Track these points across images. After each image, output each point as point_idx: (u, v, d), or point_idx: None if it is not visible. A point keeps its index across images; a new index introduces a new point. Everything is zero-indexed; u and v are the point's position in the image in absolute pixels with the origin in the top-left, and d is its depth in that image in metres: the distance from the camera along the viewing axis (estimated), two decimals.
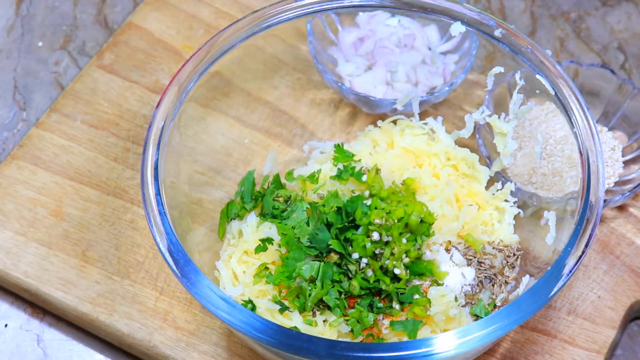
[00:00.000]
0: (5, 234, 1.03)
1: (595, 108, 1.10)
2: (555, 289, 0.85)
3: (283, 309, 0.93)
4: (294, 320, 0.93)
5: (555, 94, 0.95)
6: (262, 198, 1.01)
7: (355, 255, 0.94)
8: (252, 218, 0.99)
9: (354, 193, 0.99)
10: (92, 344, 1.03)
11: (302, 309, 0.93)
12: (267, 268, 0.96)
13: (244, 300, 0.94)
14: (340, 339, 0.93)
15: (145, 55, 1.16)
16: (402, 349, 0.81)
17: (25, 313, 1.04)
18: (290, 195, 1.00)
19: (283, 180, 1.04)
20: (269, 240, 0.97)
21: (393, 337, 0.94)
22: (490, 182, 1.04)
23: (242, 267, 0.97)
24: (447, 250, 0.99)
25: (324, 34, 1.09)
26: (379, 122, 1.06)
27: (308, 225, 0.96)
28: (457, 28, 0.99)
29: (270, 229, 0.98)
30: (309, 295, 0.93)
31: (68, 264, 1.02)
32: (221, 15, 1.19)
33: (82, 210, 1.05)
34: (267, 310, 0.93)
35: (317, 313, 0.94)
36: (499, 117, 1.01)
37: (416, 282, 0.96)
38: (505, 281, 0.99)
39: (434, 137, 1.05)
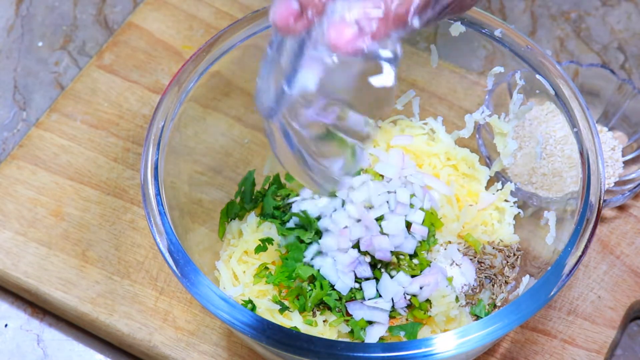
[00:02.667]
0: (5, 234, 1.03)
1: (595, 108, 1.10)
2: (555, 289, 0.84)
3: (283, 309, 0.93)
4: (294, 320, 0.93)
5: (555, 94, 0.95)
6: (262, 198, 1.01)
7: None
8: (252, 218, 0.99)
9: None
10: (92, 344, 1.03)
11: (302, 309, 0.93)
12: (267, 268, 0.96)
13: (243, 300, 0.94)
14: (340, 339, 0.93)
15: (145, 55, 1.16)
16: (402, 349, 0.81)
17: (25, 313, 1.04)
18: (290, 195, 1.00)
19: (283, 181, 1.04)
20: (268, 240, 0.97)
21: (393, 337, 0.94)
22: (490, 182, 1.04)
23: (242, 267, 0.97)
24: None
25: None
26: (379, 122, 1.06)
27: None
28: (457, 28, 0.99)
29: (270, 229, 0.98)
30: (309, 296, 0.93)
31: (68, 264, 1.02)
32: (221, 15, 1.19)
33: (82, 210, 1.05)
34: (267, 310, 0.93)
35: (317, 313, 0.94)
36: (499, 117, 1.01)
37: None
38: (505, 281, 0.99)
39: (434, 137, 1.05)
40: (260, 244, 0.97)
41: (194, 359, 0.97)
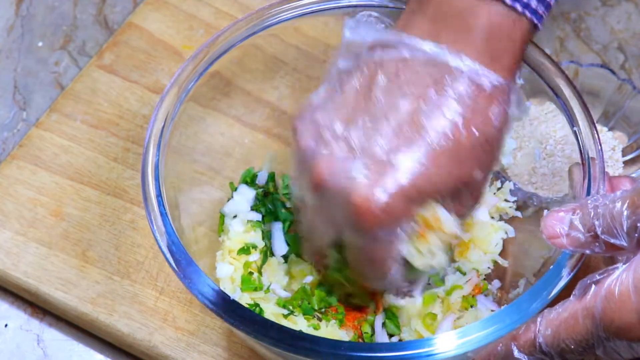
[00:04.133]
0: (5, 234, 1.03)
1: (595, 108, 1.10)
2: (555, 289, 0.84)
3: (289, 313, 0.93)
4: (298, 324, 0.92)
5: (555, 94, 0.95)
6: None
7: None
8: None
9: None
10: (92, 344, 1.03)
11: (306, 312, 0.93)
12: (251, 273, 0.96)
13: (249, 304, 0.94)
14: (342, 340, 0.93)
15: (145, 55, 1.16)
16: (402, 349, 0.81)
17: (25, 313, 1.04)
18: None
19: (279, 181, 1.04)
20: (253, 246, 0.97)
21: None
22: (490, 182, 1.04)
23: (230, 267, 0.97)
24: None
25: None
26: None
27: None
28: None
29: (256, 232, 0.98)
30: (312, 296, 0.93)
31: (68, 264, 1.02)
32: (221, 15, 1.19)
33: (82, 210, 1.05)
34: (273, 314, 0.93)
35: (320, 317, 0.94)
36: None
37: None
38: None
39: None
40: (244, 247, 0.97)
41: (194, 359, 0.97)
